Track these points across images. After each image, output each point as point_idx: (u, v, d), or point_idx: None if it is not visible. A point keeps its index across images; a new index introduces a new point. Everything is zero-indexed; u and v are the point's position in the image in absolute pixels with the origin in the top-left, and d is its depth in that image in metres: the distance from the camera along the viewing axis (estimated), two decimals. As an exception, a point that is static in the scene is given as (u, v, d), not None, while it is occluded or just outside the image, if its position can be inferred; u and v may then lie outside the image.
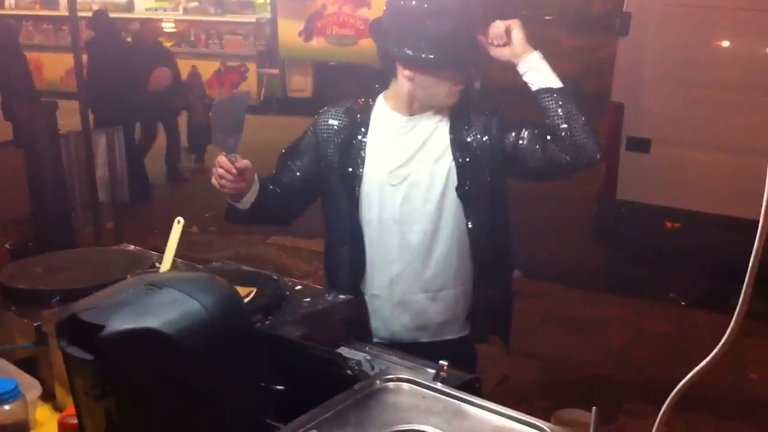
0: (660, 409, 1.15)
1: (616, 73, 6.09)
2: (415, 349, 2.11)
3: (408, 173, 2.29)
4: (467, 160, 2.28)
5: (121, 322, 1.32)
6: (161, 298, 1.38)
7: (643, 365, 4.72)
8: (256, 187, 2.30)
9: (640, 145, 5.94)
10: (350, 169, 2.32)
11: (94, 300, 1.44)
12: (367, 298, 2.38)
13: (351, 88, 12.91)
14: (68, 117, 6.94)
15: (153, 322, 1.32)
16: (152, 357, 1.33)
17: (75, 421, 1.57)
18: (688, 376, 1.02)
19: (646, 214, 6.02)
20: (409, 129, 2.32)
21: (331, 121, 2.39)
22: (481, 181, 2.29)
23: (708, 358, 0.98)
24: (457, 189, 2.28)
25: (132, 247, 2.62)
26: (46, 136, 4.98)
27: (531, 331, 5.42)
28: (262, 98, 13.76)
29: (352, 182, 2.32)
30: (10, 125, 6.25)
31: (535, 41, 2.25)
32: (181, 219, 1.91)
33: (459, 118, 2.32)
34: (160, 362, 1.33)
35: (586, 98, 2.36)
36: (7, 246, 5.73)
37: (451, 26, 2.19)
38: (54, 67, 13.43)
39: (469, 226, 2.30)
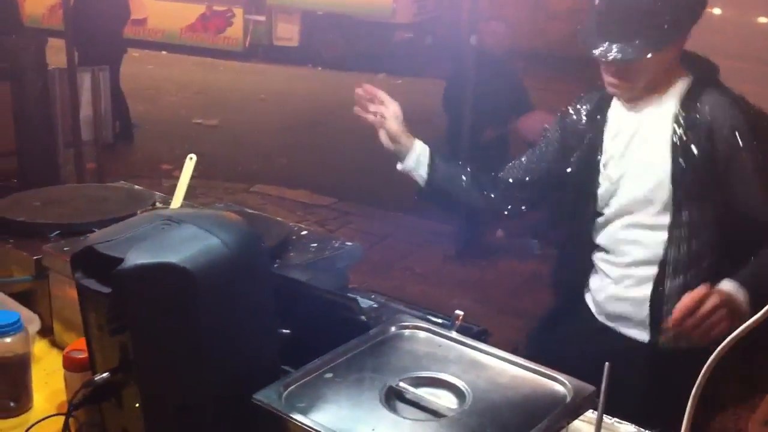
0: None
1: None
2: None
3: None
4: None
5: (139, 256, 1.29)
6: (180, 233, 1.35)
7: None
8: (418, 151, 2.25)
9: None
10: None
11: (109, 233, 1.40)
12: None
13: (338, 39, 12.80)
14: (50, 55, 6.80)
15: (173, 256, 1.29)
16: (170, 292, 1.30)
17: (83, 356, 1.54)
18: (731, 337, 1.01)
19: None
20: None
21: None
22: None
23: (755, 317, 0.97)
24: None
25: (126, 184, 2.58)
26: (35, 70, 4.87)
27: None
28: (247, 45, 13.58)
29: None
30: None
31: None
32: (193, 156, 1.87)
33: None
34: (177, 298, 1.30)
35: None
36: (-11, 181, 5.64)
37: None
38: (36, 2, 13.13)
39: None
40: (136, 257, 1.29)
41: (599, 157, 2.13)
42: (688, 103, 1.99)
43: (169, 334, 1.31)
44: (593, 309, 2.25)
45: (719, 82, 2.03)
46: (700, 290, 1.85)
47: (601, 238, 2.19)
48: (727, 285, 1.89)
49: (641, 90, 2.03)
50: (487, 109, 5.35)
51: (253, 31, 13.58)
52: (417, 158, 2.25)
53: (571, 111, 2.23)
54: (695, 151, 1.96)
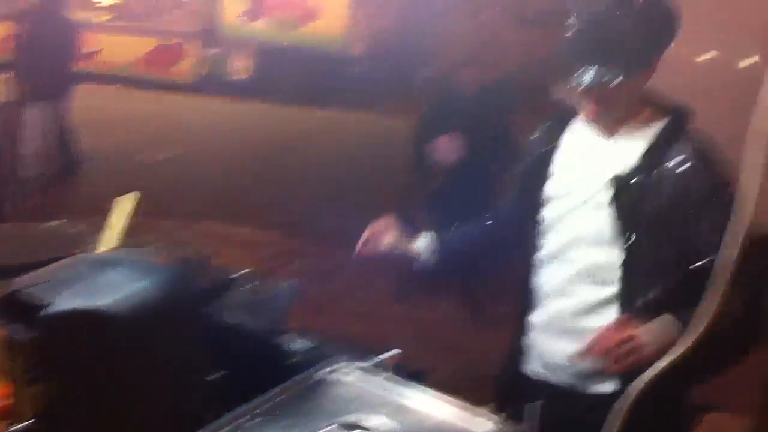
0: None
1: None
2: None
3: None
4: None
5: (64, 302, 1.28)
6: (107, 277, 1.34)
7: None
8: (426, 245, 2.29)
9: None
10: None
11: (37, 277, 1.39)
12: None
13: (293, 72, 12.83)
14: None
15: (98, 301, 1.28)
16: (94, 338, 1.29)
17: (7, 402, 1.51)
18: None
19: None
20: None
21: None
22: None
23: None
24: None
25: (62, 223, 2.54)
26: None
27: None
28: (200, 78, 13.54)
29: None
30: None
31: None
32: (124, 197, 1.83)
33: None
34: (101, 344, 1.29)
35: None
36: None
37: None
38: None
39: None
40: (60, 302, 1.28)
41: (548, 177, 2.13)
42: (655, 147, 1.99)
43: (92, 380, 1.30)
44: (536, 371, 2.15)
45: (693, 129, 2.02)
46: (617, 322, 1.88)
47: (549, 280, 2.14)
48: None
49: (615, 120, 2.03)
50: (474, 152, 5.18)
51: (206, 65, 13.55)
52: (428, 251, 2.29)
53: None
54: (652, 195, 1.97)
